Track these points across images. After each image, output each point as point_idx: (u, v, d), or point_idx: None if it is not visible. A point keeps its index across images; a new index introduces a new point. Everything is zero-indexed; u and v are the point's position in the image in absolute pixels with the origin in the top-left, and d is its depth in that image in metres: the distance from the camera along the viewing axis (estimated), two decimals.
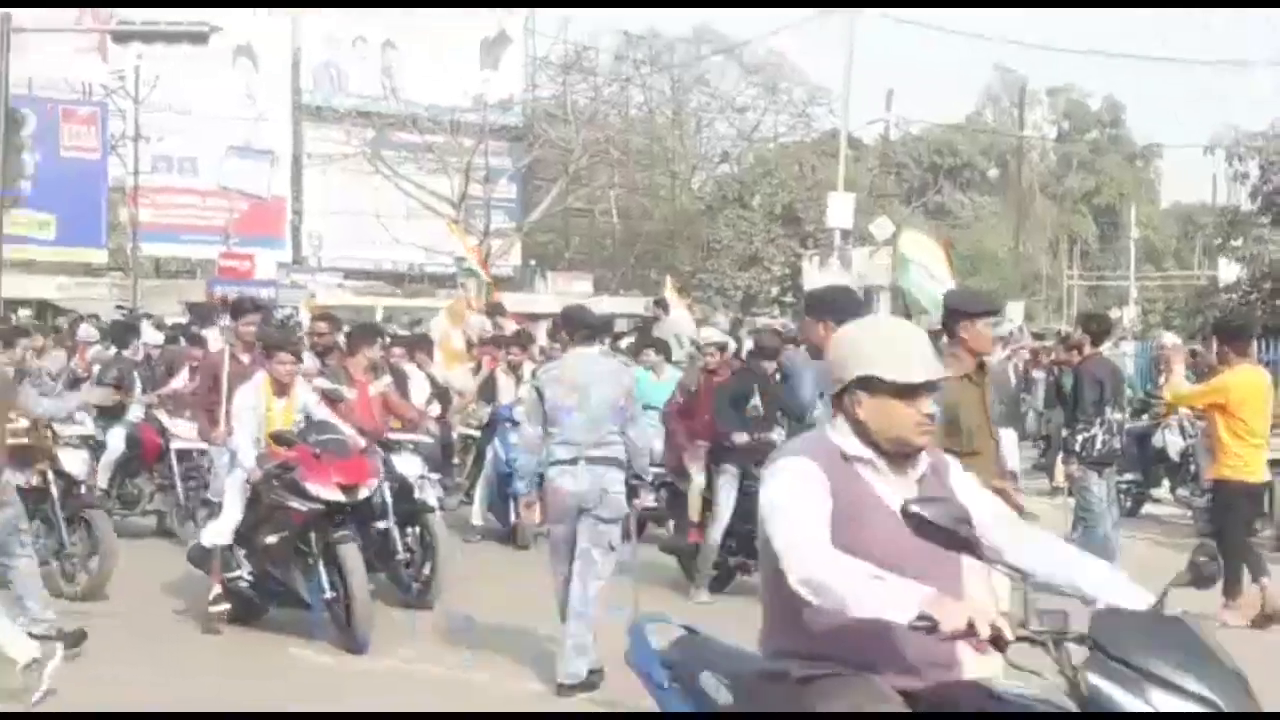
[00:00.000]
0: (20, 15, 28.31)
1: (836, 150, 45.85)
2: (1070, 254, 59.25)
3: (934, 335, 8.90)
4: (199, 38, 28.31)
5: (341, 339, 12.29)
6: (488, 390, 14.86)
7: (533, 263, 49.51)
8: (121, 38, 35.90)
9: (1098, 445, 11.70)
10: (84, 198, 41.80)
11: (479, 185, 44.54)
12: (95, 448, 13.85)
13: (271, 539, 9.30)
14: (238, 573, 9.61)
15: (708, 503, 11.49)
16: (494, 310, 22.53)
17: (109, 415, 13.95)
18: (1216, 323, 12.34)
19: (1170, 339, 17.82)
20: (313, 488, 9.11)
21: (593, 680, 8.09)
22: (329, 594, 9.11)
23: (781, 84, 52.84)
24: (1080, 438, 11.50)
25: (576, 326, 8.83)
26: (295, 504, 9.12)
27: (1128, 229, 56.32)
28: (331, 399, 10.94)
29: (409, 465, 10.94)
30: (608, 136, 47.37)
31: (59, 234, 41.76)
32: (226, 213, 45.49)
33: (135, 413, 13.95)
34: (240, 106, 46.34)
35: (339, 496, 9.12)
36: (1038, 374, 20.98)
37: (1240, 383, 10.66)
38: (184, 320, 21.39)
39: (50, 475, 10.19)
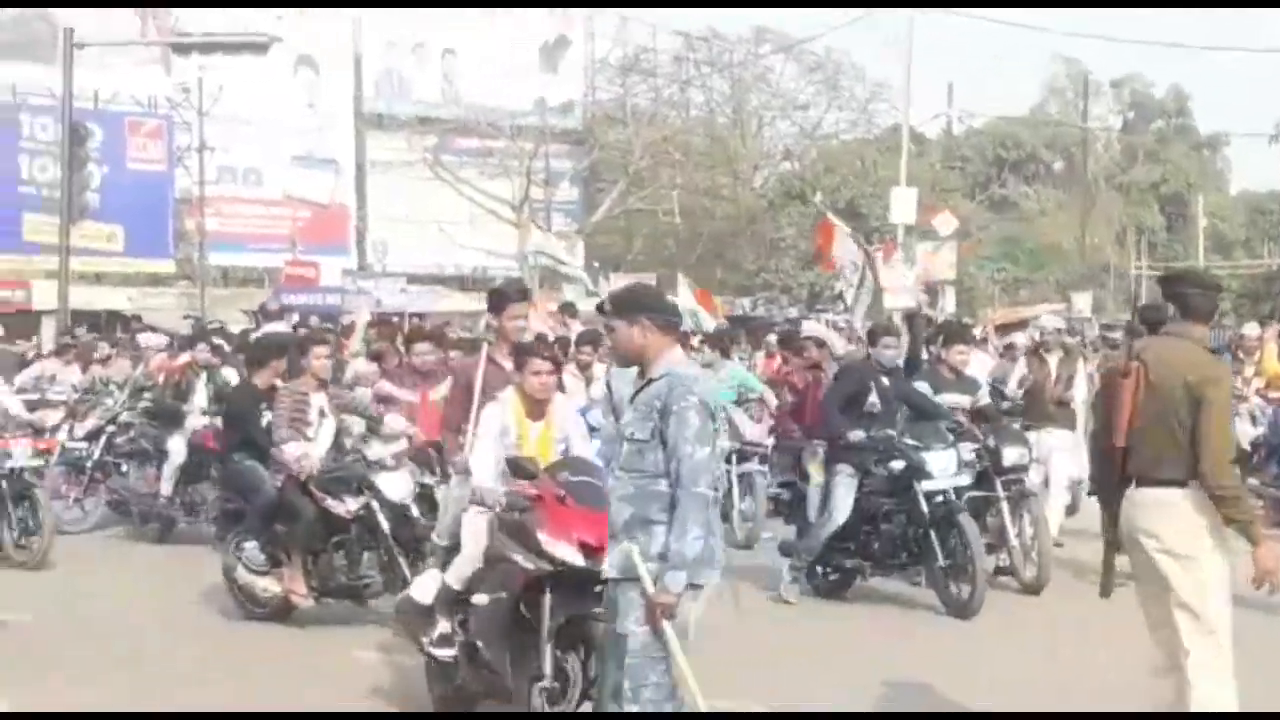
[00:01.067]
0: (82, 29, 28.71)
1: (899, 145, 45.69)
2: (1137, 245, 58.66)
3: None
4: (259, 48, 28.69)
5: (400, 344, 12.32)
6: None
7: (596, 264, 49.60)
8: (182, 49, 36.46)
9: None
10: (151, 209, 42.29)
11: (540, 188, 44.70)
12: (157, 456, 14.03)
13: (481, 599, 7.01)
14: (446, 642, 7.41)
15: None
16: (565, 310, 22.62)
17: (169, 423, 14.08)
18: None
19: (1253, 329, 17.61)
20: (548, 541, 6.64)
21: None
22: (547, 684, 6.65)
23: (842, 81, 52.69)
24: None
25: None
26: (519, 558, 6.74)
27: (1195, 219, 55.78)
28: (388, 400, 10.98)
29: (397, 485, 10.31)
30: (667, 137, 47.39)
31: (127, 245, 42.26)
32: (291, 221, 45.88)
33: (194, 421, 14.00)
34: (303, 116, 46.70)
35: (578, 559, 6.53)
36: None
37: None
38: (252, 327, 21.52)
39: None
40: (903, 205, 41.93)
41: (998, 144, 61.23)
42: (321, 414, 10.21)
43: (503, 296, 8.87)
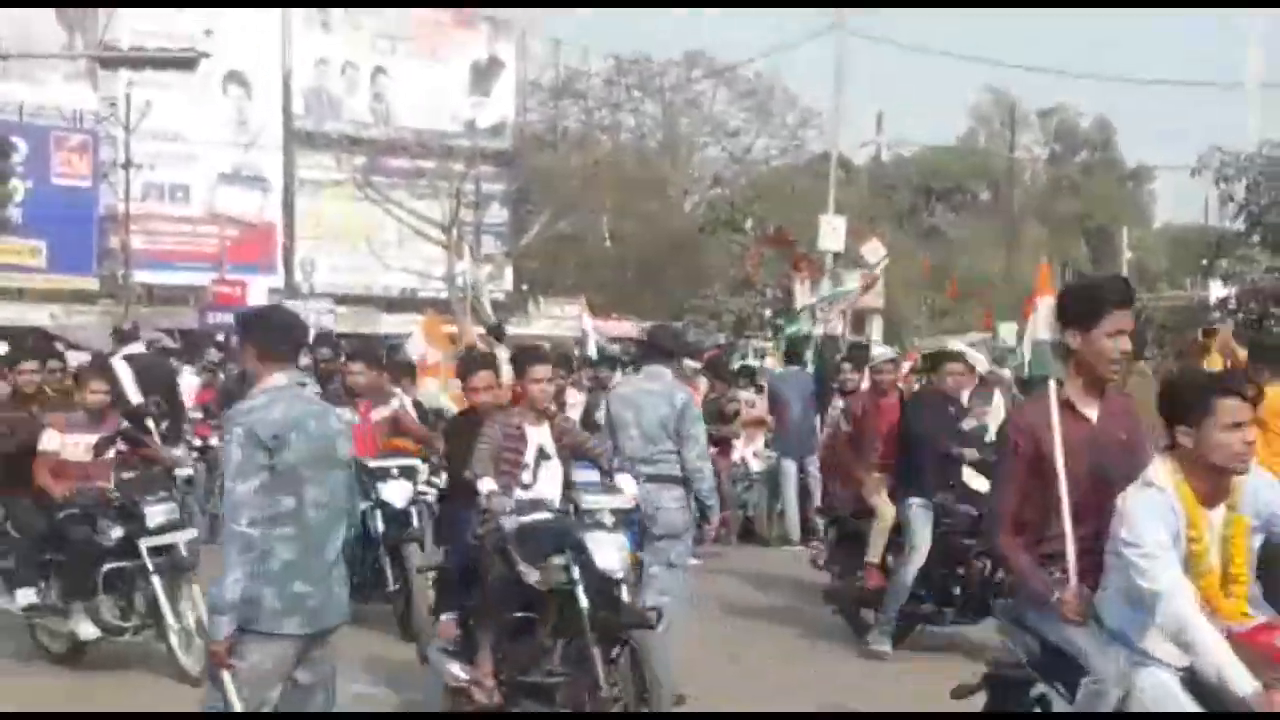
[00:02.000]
0: (7, 40, 28.38)
1: (828, 173, 46.00)
2: (1063, 276, 59.19)
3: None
4: (187, 64, 28.29)
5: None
6: None
7: (525, 287, 49.51)
8: (110, 63, 36.05)
9: None
10: (75, 225, 41.82)
11: (470, 210, 44.60)
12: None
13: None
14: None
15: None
16: (492, 333, 22.50)
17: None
18: (1251, 340, 12.15)
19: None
20: None
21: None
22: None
23: (772, 107, 52.96)
24: None
25: (649, 347, 9.26)
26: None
27: (1119, 251, 56.35)
28: None
29: (397, 492, 10.52)
30: (598, 161, 47.41)
31: (49, 261, 41.77)
32: (218, 239, 45.49)
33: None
34: (232, 133, 46.41)
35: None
36: None
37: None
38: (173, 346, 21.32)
39: None
40: (831, 233, 42.16)
41: (925, 173, 61.73)
42: (542, 454, 8.02)
43: (525, 358, 8.31)
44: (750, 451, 16.91)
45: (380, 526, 10.24)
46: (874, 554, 10.22)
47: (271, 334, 5.62)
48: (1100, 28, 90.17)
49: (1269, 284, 25.36)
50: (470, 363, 9.93)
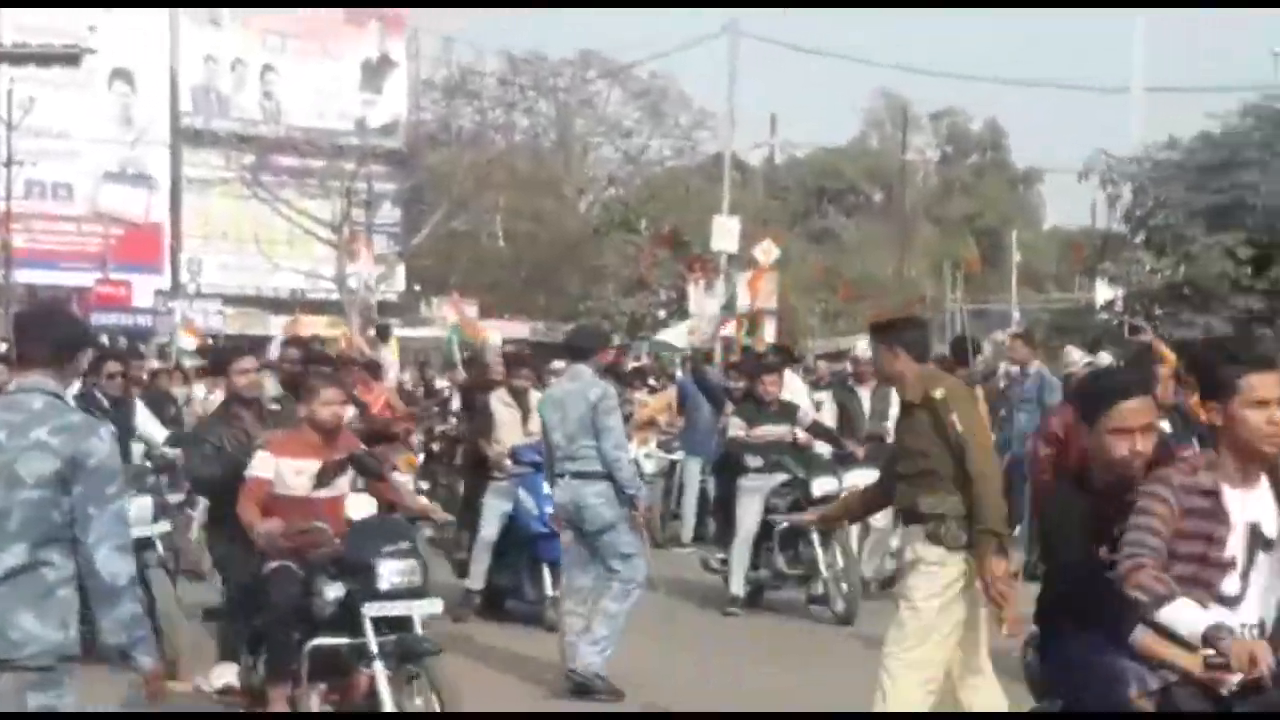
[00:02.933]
0: None
1: (722, 174, 46.07)
2: (954, 277, 59.78)
3: None
4: (71, 59, 27.74)
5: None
6: (483, 426, 11.85)
7: (417, 287, 49.13)
8: None
9: None
10: None
11: (361, 209, 44.18)
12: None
13: None
14: None
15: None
16: (380, 334, 22.26)
17: None
18: (1181, 347, 12.13)
19: (1078, 355, 17.74)
20: None
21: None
22: None
23: (666, 108, 52.95)
24: None
25: (571, 349, 9.76)
26: None
27: (1009, 252, 56.96)
28: None
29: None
30: (491, 160, 47.15)
31: None
32: (103, 239, 44.68)
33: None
34: (117, 130, 45.64)
35: None
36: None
37: None
38: None
39: None
40: (725, 233, 42.19)
41: (818, 174, 62.05)
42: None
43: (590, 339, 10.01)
44: (643, 453, 16.82)
45: None
46: None
47: (24, 335, 5.14)
48: (991, 32, 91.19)
49: (1154, 285, 25.71)
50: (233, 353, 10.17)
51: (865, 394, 13.04)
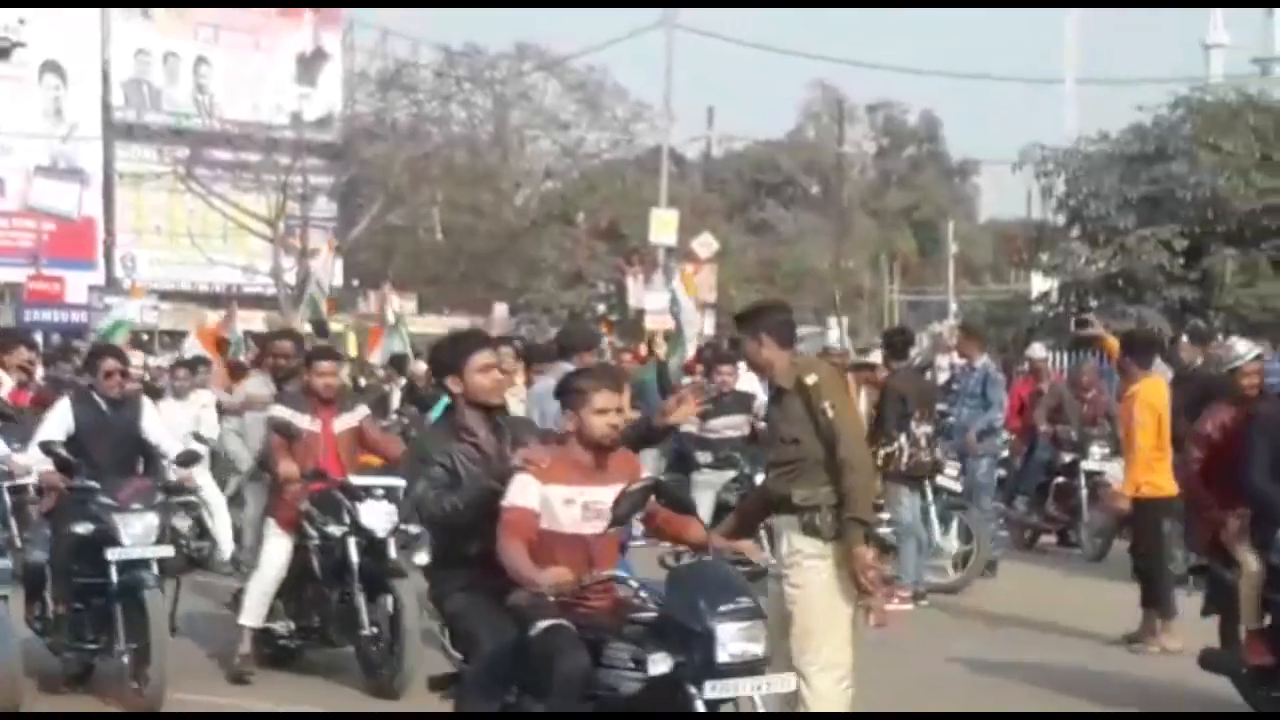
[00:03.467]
0: None
1: (659, 167, 46.03)
2: (891, 269, 60.07)
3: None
4: (1, 53, 27.40)
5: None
6: None
7: (355, 282, 48.85)
8: None
9: (903, 460, 11.72)
10: None
11: (297, 203, 43.87)
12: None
13: None
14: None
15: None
16: (316, 329, 22.07)
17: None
18: (1125, 335, 12.15)
19: (1040, 350, 17.82)
20: None
21: None
22: None
23: (603, 100, 52.86)
24: (883, 453, 11.43)
25: (559, 347, 10.07)
26: None
27: (946, 244, 57.29)
28: (285, 434, 9.44)
29: (378, 517, 9.08)
30: (428, 153, 46.92)
31: None
32: (35, 234, 44.16)
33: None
34: (49, 124, 45.12)
35: None
36: None
37: (1158, 393, 10.64)
38: None
39: None
40: (663, 226, 42.20)
41: (756, 167, 62.13)
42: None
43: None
44: None
45: (355, 557, 9.04)
46: (1249, 618, 8.14)
47: None
48: (927, 25, 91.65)
49: (1089, 276, 25.89)
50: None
51: None
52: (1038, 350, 17.47)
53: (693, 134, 58.55)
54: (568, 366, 9.15)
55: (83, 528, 8.89)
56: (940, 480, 12.37)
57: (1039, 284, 30.67)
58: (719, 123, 60.33)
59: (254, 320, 37.43)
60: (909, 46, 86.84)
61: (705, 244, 45.51)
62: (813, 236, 59.39)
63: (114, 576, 8.65)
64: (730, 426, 12.17)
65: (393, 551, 9.23)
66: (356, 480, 9.30)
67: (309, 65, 49.36)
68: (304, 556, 9.37)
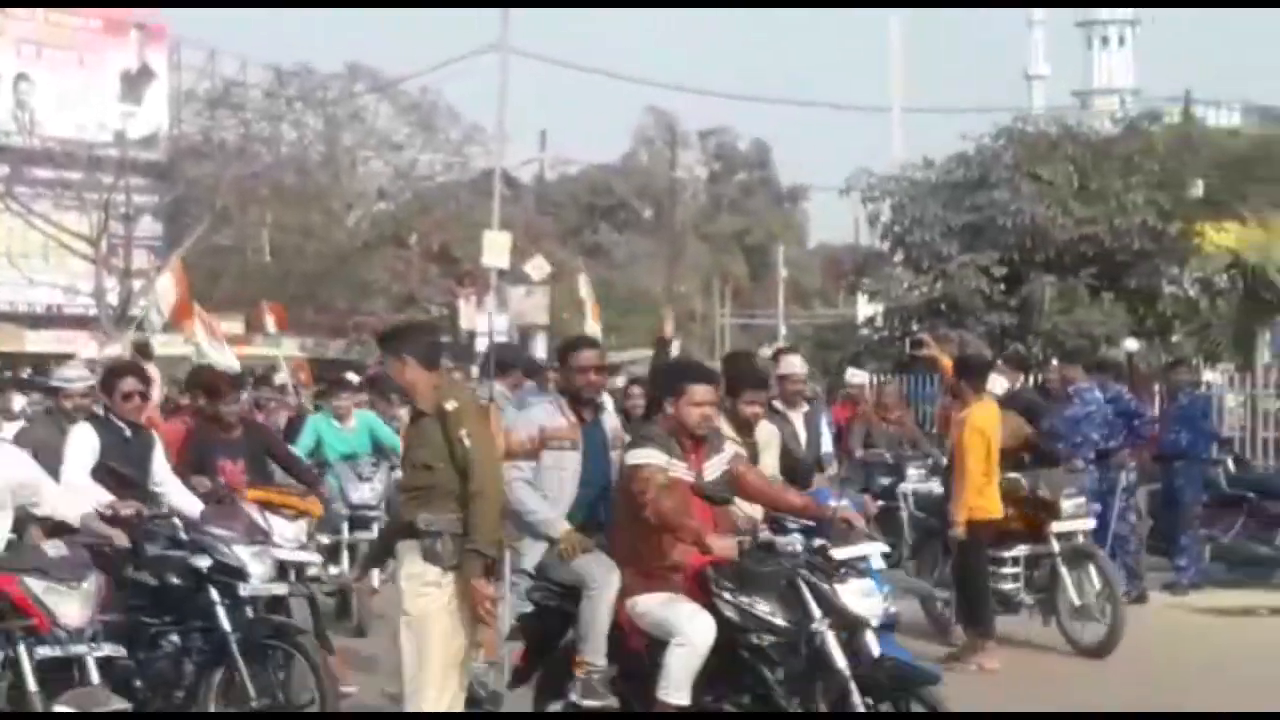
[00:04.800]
0: None
1: (492, 189, 45.90)
2: (722, 293, 60.64)
3: None
4: None
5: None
6: None
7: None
8: None
9: None
10: None
11: (120, 223, 42.96)
12: None
13: None
14: None
15: None
16: (140, 351, 21.59)
17: None
18: (959, 359, 12.39)
19: (860, 376, 17.95)
20: None
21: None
22: None
23: (436, 122, 52.62)
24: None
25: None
26: None
27: (777, 269, 58.00)
28: None
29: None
30: (256, 173, 46.27)
31: None
32: None
33: None
34: None
35: None
36: None
37: (989, 417, 10.83)
38: None
39: None
40: (495, 249, 41.96)
41: (590, 191, 62.35)
42: None
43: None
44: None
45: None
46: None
47: None
48: (759, 52, 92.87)
49: (912, 301, 26.30)
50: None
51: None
52: (856, 376, 17.69)
53: (526, 157, 58.59)
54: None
55: (199, 561, 7.89)
56: None
57: (865, 308, 31.10)
58: (553, 146, 60.46)
59: (77, 341, 36.62)
60: (741, 73, 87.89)
61: (538, 267, 45.45)
62: (646, 260, 59.77)
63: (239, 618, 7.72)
64: None
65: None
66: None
67: (134, 83, 48.44)
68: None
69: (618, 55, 78.67)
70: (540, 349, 42.50)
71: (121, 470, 8.47)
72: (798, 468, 9.69)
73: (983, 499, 10.71)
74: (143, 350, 21.98)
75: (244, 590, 7.88)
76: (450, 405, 6.78)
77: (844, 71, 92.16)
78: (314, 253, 49.05)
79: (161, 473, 8.75)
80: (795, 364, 10.94)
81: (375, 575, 11.91)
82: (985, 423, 10.77)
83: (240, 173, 45.16)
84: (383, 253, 48.96)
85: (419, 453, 6.87)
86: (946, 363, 12.19)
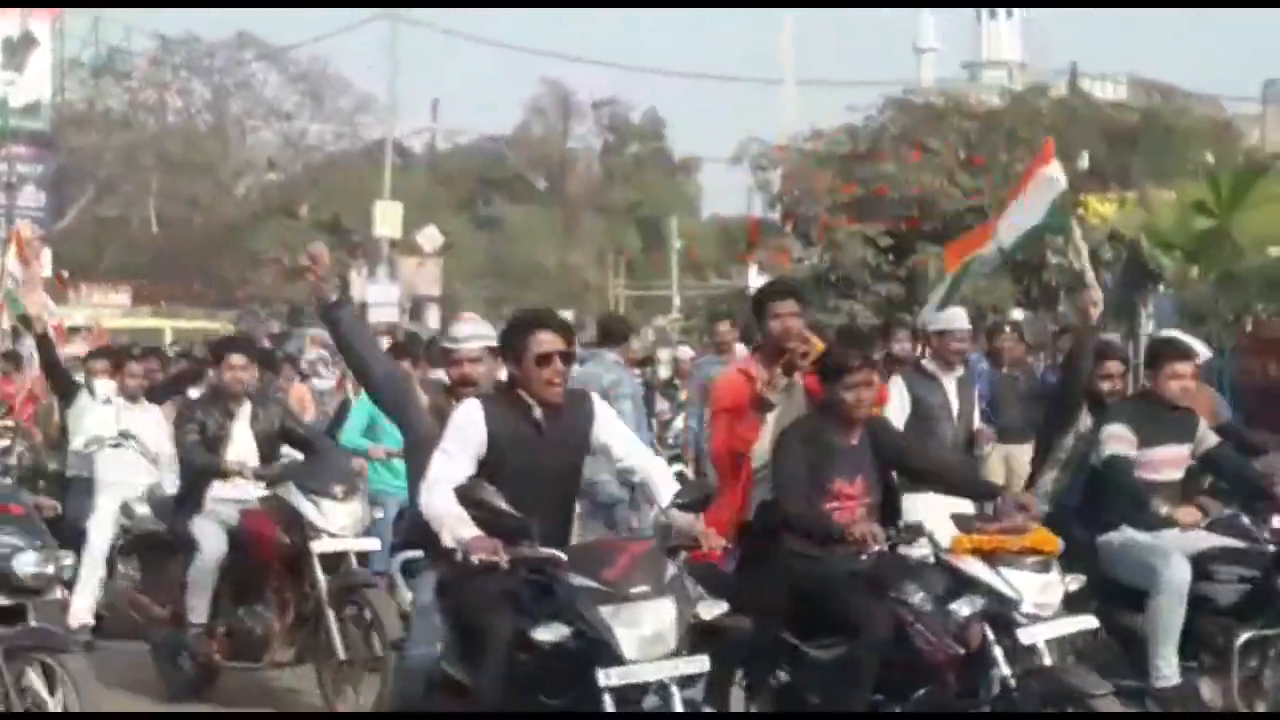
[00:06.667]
0: None
1: (384, 159, 45.63)
2: (616, 265, 60.64)
3: None
4: None
5: None
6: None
7: (66, 273, 47.19)
8: None
9: None
10: None
11: (2, 193, 42.23)
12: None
13: None
14: None
15: None
16: (24, 322, 21.16)
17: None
18: (840, 330, 12.38)
19: (687, 352, 17.99)
20: None
21: None
22: None
23: (326, 92, 52.15)
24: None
25: (601, 331, 11.15)
26: None
27: (670, 240, 58.10)
28: None
29: None
30: (142, 142, 45.61)
31: None
32: None
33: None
34: None
35: None
36: None
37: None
38: None
39: None
40: (387, 219, 41.86)
41: (483, 163, 62.06)
42: None
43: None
44: None
45: None
46: None
47: None
48: (654, 24, 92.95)
49: (802, 272, 26.45)
50: None
51: None
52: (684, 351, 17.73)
53: (418, 127, 58.24)
54: (608, 354, 10.44)
55: (550, 633, 5.58)
56: None
57: (756, 279, 31.26)
58: (445, 117, 60.14)
59: None
60: (635, 45, 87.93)
61: (430, 238, 45.25)
62: (540, 232, 59.63)
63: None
64: None
65: None
66: None
67: (16, 50, 47.51)
68: None
69: (511, 26, 78.48)
70: (433, 320, 42.30)
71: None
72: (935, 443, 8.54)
73: None
74: (25, 323, 21.58)
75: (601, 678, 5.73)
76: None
77: (737, 44, 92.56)
78: (202, 223, 48.49)
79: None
80: (960, 317, 9.33)
81: None
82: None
83: (125, 141, 44.55)
84: (272, 223, 48.49)
85: None
86: (815, 341, 12.23)
